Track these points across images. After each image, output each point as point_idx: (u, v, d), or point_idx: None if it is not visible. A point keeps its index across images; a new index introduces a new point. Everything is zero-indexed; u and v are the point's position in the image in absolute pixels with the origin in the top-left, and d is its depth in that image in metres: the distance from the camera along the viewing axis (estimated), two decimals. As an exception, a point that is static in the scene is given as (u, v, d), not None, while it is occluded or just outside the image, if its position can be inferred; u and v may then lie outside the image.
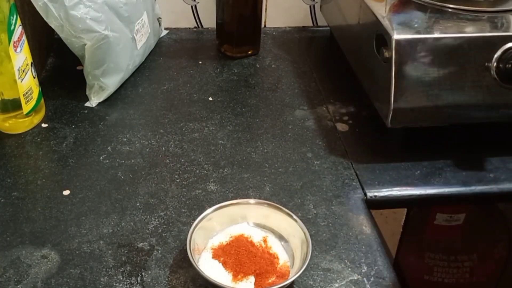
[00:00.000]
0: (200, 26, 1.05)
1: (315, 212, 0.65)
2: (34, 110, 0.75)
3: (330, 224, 0.63)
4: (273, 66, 0.94)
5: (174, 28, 1.03)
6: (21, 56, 0.70)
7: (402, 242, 0.89)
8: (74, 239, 0.60)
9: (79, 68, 0.86)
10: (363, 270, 0.58)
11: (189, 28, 1.05)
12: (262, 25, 1.00)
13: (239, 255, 0.56)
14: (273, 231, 0.60)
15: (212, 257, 0.56)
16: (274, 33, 1.04)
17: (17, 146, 0.73)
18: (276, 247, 0.58)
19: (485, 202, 0.85)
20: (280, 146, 0.75)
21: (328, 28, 1.00)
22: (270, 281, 0.54)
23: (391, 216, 0.83)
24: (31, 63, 0.73)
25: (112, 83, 0.82)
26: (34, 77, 0.74)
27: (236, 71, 0.92)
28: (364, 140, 0.76)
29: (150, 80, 0.88)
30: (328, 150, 0.74)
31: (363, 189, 0.68)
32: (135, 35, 0.84)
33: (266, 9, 1.03)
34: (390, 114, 0.68)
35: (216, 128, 0.78)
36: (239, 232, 0.59)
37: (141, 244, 0.60)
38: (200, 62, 0.94)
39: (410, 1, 0.73)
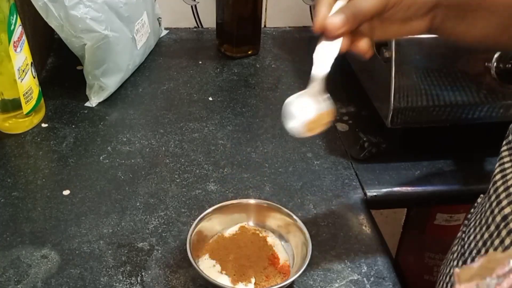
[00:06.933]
0: (200, 26, 1.05)
1: (315, 212, 0.65)
2: (34, 110, 0.75)
3: (330, 224, 0.63)
4: (273, 66, 0.94)
5: (174, 28, 1.03)
6: (21, 56, 0.70)
7: (402, 242, 0.89)
8: (74, 239, 0.60)
9: (79, 68, 0.86)
10: (363, 270, 0.58)
11: (189, 28, 1.05)
12: (262, 25, 1.00)
13: (239, 255, 0.56)
14: (273, 231, 0.60)
15: (212, 257, 0.56)
16: (274, 33, 1.04)
17: (17, 146, 0.73)
18: (276, 247, 0.58)
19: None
20: (280, 146, 0.75)
21: (328, 28, 1.00)
22: (270, 281, 0.54)
23: (391, 216, 0.83)
24: (31, 63, 0.73)
25: (112, 83, 0.82)
26: (34, 77, 0.74)
27: (236, 71, 0.92)
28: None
29: (150, 80, 0.88)
30: (328, 150, 0.74)
31: (363, 189, 0.68)
32: (135, 35, 0.84)
33: (266, 9, 1.03)
34: (390, 114, 0.68)
35: (216, 128, 0.78)
36: (239, 232, 0.59)
37: (141, 244, 0.60)
38: (200, 62, 0.94)
39: (410, 1, 0.73)
